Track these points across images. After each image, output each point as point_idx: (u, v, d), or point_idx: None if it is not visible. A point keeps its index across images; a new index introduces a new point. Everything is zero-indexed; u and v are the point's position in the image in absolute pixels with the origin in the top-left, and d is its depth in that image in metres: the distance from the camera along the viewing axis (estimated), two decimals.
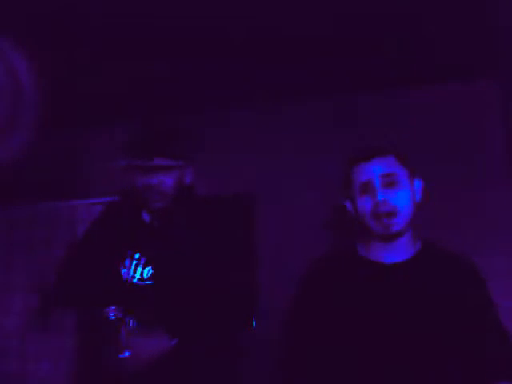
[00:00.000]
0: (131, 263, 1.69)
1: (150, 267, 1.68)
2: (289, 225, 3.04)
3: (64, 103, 2.93)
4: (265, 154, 3.19)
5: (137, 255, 1.70)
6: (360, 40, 2.57)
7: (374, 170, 1.56)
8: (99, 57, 2.64)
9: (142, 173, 1.68)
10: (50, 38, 2.41)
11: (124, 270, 1.71)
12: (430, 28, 2.47)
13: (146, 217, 1.77)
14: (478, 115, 2.96)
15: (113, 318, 1.55)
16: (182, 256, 1.66)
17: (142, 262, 1.69)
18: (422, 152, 2.97)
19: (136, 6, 2.28)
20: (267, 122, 3.21)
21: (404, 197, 1.54)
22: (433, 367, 1.40)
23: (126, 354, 1.53)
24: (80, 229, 3.25)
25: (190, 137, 1.87)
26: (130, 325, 1.64)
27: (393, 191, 1.53)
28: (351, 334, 1.47)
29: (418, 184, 1.63)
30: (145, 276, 1.67)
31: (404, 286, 1.49)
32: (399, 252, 1.56)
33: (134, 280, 1.68)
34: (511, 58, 2.63)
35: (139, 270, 1.68)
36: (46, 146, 2.89)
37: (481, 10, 2.32)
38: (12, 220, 3.40)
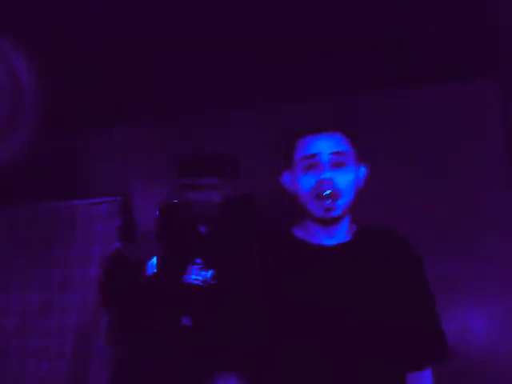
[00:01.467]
0: (192, 267, 1.82)
1: (211, 270, 1.80)
2: (289, 225, 3.04)
3: (64, 103, 2.93)
4: (265, 153, 3.19)
5: (198, 260, 1.82)
6: (360, 40, 2.57)
7: (324, 145, 1.46)
8: (99, 57, 2.64)
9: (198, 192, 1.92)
10: (49, 37, 2.41)
11: (187, 275, 1.82)
12: (430, 28, 2.47)
13: (202, 228, 1.92)
14: (478, 115, 2.96)
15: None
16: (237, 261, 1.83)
17: (204, 266, 1.81)
18: (422, 152, 2.97)
19: (136, 6, 2.28)
20: (267, 122, 3.21)
21: (350, 180, 1.44)
22: (370, 348, 1.37)
23: None
24: (80, 229, 3.25)
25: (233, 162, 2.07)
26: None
27: (339, 172, 1.43)
28: (289, 316, 1.40)
29: (363, 171, 1.54)
30: (208, 277, 1.79)
31: (343, 268, 1.43)
32: (338, 235, 1.50)
33: (197, 282, 1.78)
34: (511, 58, 2.63)
35: (202, 272, 1.79)
36: (45, 146, 2.89)
37: (481, 10, 2.32)
38: (12, 220, 3.40)
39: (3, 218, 3.41)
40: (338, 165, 1.43)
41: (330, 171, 1.42)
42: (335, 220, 1.47)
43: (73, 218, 3.32)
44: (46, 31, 2.37)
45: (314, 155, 1.45)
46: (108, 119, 3.28)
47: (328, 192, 1.40)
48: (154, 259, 1.82)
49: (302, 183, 1.46)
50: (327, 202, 1.41)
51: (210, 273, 1.79)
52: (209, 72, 2.85)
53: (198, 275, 1.79)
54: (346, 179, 1.43)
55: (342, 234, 1.50)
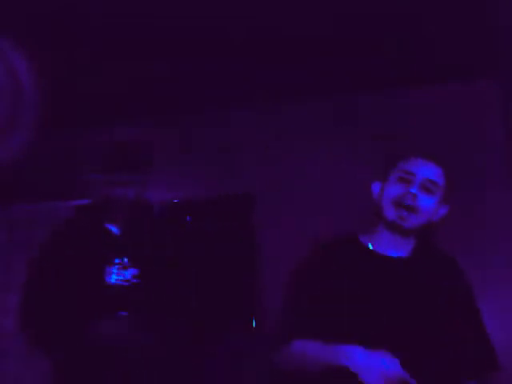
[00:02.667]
0: (112, 268, 1.86)
1: (132, 269, 1.86)
2: (289, 225, 3.04)
3: (64, 103, 2.93)
4: (265, 153, 3.19)
5: (116, 260, 1.86)
6: (360, 40, 2.57)
7: (424, 170, 1.63)
8: (99, 57, 2.64)
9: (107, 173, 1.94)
10: (49, 37, 2.41)
11: (108, 276, 1.86)
12: (430, 28, 2.47)
13: (113, 228, 1.95)
14: (478, 115, 2.96)
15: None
16: (157, 256, 1.89)
17: (124, 265, 1.86)
18: (422, 152, 2.97)
19: (136, 7, 2.28)
20: (267, 122, 3.21)
21: (430, 205, 1.58)
22: (420, 357, 1.45)
23: None
24: None
25: (146, 150, 2.14)
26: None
27: (425, 195, 1.57)
28: (347, 320, 1.49)
29: (443, 209, 1.66)
30: (129, 277, 1.85)
31: (404, 280, 1.54)
32: (402, 249, 1.60)
33: (119, 282, 1.84)
34: (511, 58, 2.63)
35: (124, 272, 1.85)
36: (45, 146, 2.89)
37: (481, 10, 2.32)
38: (12, 220, 3.40)
39: (3, 218, 3.41)
40: (426, 189, 1.57)
41: (417, 190, 1.56)
42: (403, 231, 1.58)
43: None
44: (46, 31, 2.37)
45: (411, 173, 1.61)
46: (108, 119, 3.28)
47: (408, 204, 1.54)
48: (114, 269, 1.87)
49: (391, 189, 1.59)
50: (404, 213, 1.55)
51: (131, 271, 1.84)
52: (209, 72, 2.85)
53: (119, 275, 1.84)
54: (427, 202, 1.57)
55: (406, 248, 1.61)
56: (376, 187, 1.66)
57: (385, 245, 1.60)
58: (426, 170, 1.63)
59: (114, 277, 1.84)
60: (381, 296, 1.50)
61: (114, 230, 1.96)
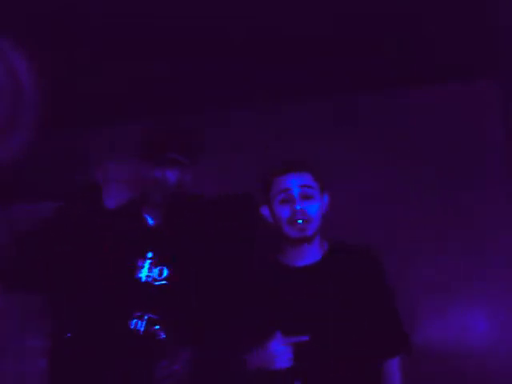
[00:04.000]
0: (144, 262, 1.70)
1: (164, 267, 1.70)
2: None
3: (64, 103, 2.93)
4: (265, 153, 3.19)
5: (149, 254, 1.71)
6: (360, 40, 2.57)
7: (294, 181, 1.78)
8: (99, 57, 2.64)
9: (155, 166, 1.75)
10: (49, 37, 2.41)
11: (140, 271, 1.70)
12: (430, 28, 2.47)
13: (149, 218, 1.79)
14: (478, 115, 2.96)
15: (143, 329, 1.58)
16: (195, 256, 1.73)
17: (156, 261, 1.70)
18: (422, 152, 2.97)
19: (136, 7, 2.28)
20: (267, 121, 3.21)
21: (316, 208, 1.77)
22: (342, 349, 1.65)
23: (176, 367, 1.57)
24: None
25: (198, 137, 1.95)
26: (162, 337, 1.66)
27: (308, 202, 1.75)
28: (270, 329, 1.65)
29: (326, 198, 1.85)
30: (163, 276, 1.70)
31: (312, 286, 1.72)
32: (308, 256, 1.78)
33: (149, 279, 1.69)
34: (511, 58, 2.63)
35: (155, 269, 1.70)
36: (45, 146, 2.89)
37: (481, 10, 2.32)
38: (12, 220, 3.40)
39: (3, 218, 3.41)
40: (305, 197, 1.75)
41: (300, 202, 1.74)
42: (307, 240, 1.76)
43: None
44: (46, 31, 2.37)
45: (286, 189, 1.76)
46: (108, 119, 3.28)
47: (300, 221, 1.73)
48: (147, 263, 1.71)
49: (279, 212, 1.77)
50: (300, 225, 1.73)
51: (164, 270, 1.69)
52: (209, 72, 2.85)
53: (150, 271, 1.69)
54: (313, 207, 1.75)
55: (312, 254, 1.79)
56: (265, 211, 1.85)
57: (292, 256, 1.79)
58: (297, 180, 1.78)
59: (145, 273, 1.69)
60: (294, 303, 1.70)
61: (150, 220, 1.79)
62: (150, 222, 1.78)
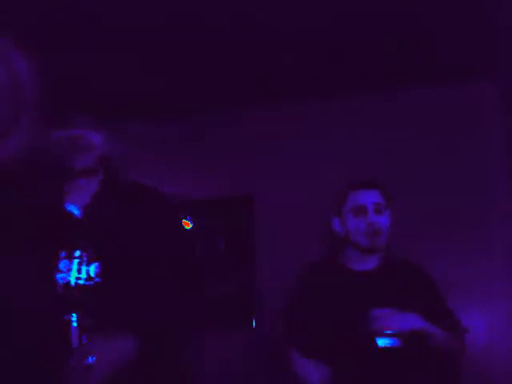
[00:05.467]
0: (71, 263, 1.48)
1: (95, 263, 1.47)
2: (288, 225, 3.04)
3: (64, 103, 2.93)
4: (265, 154, 3.19)
5: (77, 253, 1.48)
6: (360, 40, 2.57)
7: (369, 197, 1.98)
8: (99, 56, 2.65)
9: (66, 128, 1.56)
10: (49, 38, 2.41)
11: (62, 274, 1.48)
12: (430, 28, 2.47)
13: (75, 210, 1.54)
14: (478, 115, 2.96)
15: (75, 326, 1.39)
16: (127, 247, 1.48)
17: (85, 259, 1.48)
18: (422, 152, 2.97)
19: (135, 7, 2.28)
20: (267, 121, 3.21)
21: (386, 222, 1.98)
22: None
23: (90, 359, 1.34)
24: None
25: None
26: (88, 324, 1.43)
27: (380, 217, 1.96)
28: (336, 326, 1.83)
29: (389, 213, 2.03)
30: (92, 274, 1.46)
31: (374, 287, 1.89)
32: (371, 262, 1.97)
33: (80, 281, 1.46)
34: (511, 58, 2.63)
35: (84, 268, 1.47)
36: (45, 146, 2.89)
37: (481, 10, 2.32)
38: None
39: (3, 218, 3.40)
40: (378, 212, 1.96)
41: (373, 216, 1.94)
42: (378, 249, 1.96)
43: None
44: (46, 31, 2.37)
45: (362, 205, 1.97)
46: (108, 119, 3.27)
47: (374, 231, 1.93)
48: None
49: (354, 223, 1.96)
50: (374, 237, 1.93)
51: (93, 267, 1.46)
52: (208, 72, 2.85)
53: (80, 272, 1.46)
54: (383, 221, 1.97)
55: (374, 261, 1.98)
56: (336, 223, 2.03)
57: (358, 262, 1.97)
58: (371, 197, 1.98)
59: (74, 274, 1.47)
60: (358, 302, 1.83)
61: (75, 212, 1.54)
62: (76, 213, 1.53)
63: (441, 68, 2.83)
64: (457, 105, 2.98)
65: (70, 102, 3.02)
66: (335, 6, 2.30)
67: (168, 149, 3.34)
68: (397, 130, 3.02)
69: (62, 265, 1.46)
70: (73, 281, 1.45)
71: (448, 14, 2.35)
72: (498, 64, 2.79)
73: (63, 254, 1.47)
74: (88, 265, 1.46)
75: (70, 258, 1.47)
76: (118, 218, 1.49)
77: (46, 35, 2.38)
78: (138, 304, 1.42)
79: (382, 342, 1.75)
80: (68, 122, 1.56)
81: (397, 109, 3.05)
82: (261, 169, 3.18)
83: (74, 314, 1.40)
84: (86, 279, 1.45)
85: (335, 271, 2.00)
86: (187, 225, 3.25)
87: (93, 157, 1.57)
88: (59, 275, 1.46)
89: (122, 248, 1.46)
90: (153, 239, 1.49)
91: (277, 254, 2.98)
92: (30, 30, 2.26)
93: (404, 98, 3.05)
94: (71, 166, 1.54)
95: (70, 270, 1.46)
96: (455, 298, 2.78)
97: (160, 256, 1.49)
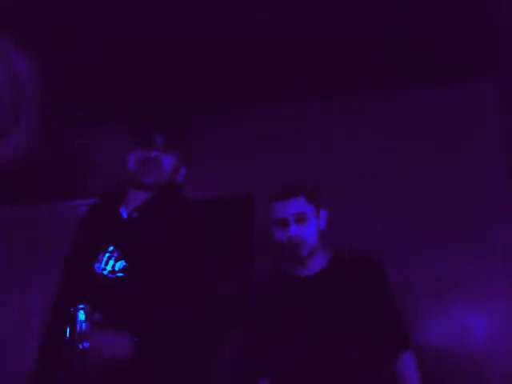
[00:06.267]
0: (104, 256, 1.67)
1: (122, 260, 1.64)
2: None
3: (64, 103, 2.93)
4: (265, 154, 3.19)
5: (110, 248, 1.68)
6: (360, 40, 2.57)
7: (288, 209, 1.91)
8: (99, 56, 2.64)
9: (141, 148, 1.76)
10: (50, 38, 2.41)
11: (97, 264, 1.67)
12: (430, 28, 2.47)
13: (124, 212, 1.76)
14: (478, 115, 2.96)
15: (83, 315, 1.52)
16: (155, 251, 1.65)
17: (116, 255, 1.66)
18: (422, 152, 2.97)
19: (135, 7, 2.28)
20: (268, 121, 3.21)
21: (311, 230, 1.91)
22: (344, 354, 1.78)
23: (85, 344, 1.48)
24: None
25: (191, 136, 1.93)
26: (95, 318, 1.55)
27: (302, 226, 1.90)
28: (281, 334, 1.86)
29: (323, 215, 1.99)
30: (116, 268, 1.64)
31: (316, 293, 1.87)
32: (311, 267, 1.94)
33: (105, 272, 1.64)
34: (511, 58, 2.63)
35: (111, 262, 1.65)
36: (46, 146, 2.89)
37: (481, 10, 2.32)
38: (12, 220, 3.40)
39: (4, 218, 3.41)
40: (299, 221, 1.90)
41: (294, 228, 1.89)
42: (305, 258, 1.92)
43: (73, 218, 3.31)
44: (46, 31, 2.37)
45: (282, 218, 1.91)
46: (108, 119, 3.28)
47: (295, 243, 1.89)
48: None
49: (278, 236, 1.94)
50: (295, 248, 1.89)
51: (119, 264, 1.64)
52: (208, 72, 2.85)
53: (106, 264, 1.65)
54: (307, 231, 1.90)
55: (314, 265, 1.94)
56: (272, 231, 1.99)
57: (296, 268, 1.95)
58: (290, 208, 1.91)
59: (102, 266, 1.65)
60: (300, 311, 1.85)
61: (124, 214, 1.75)
62: (124, 215, 1.75)
63: (441, 68, 2.83)
64: (457, 105, 2.97)
65: (69, 101, 3.03)
66: (335, 6, 2.30)
67: None
68: (397, 129, 3.02)
69: (100, 256, 1.67)
70: (98, 270, 1.65)
71: (448, 13, 2.35)
72: (498, 64, 2.79)
73: (102, 247, 1.68)
74: (116, 260, 1.64)
75: (105, 251, 1.67)
76: (154, 225, 1.70)
77: (45, 35, 2.38)
78: (146, 305, 1.58)
79: None
80: (149, 143, 1.76)
81: (397, 109, 3.05)
82: (261, 169, 3.17)
83: (82, 306, 1.54)
84: (109, 272, 1.63)
85: (281, 281, 1.99)
86: None
87: (161, 177, 1.76)
88: (97, 265, 1.66)
89: (148, 252, 1.64)
90: (179, 251, 1.68)
91: (277, 254, 2.98)
92: (30, 30, 2.27)
93: (404, 98, 3.04)
94: (143, 181, 1.75)
95: (101, 261, 1.66)
96: (455, 298, 2.80)
97: (181, 265, 1.67)
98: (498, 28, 2.46)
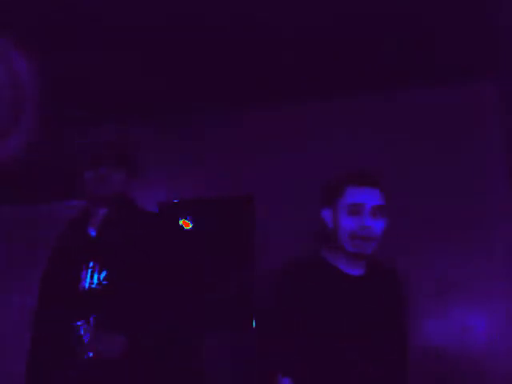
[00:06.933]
0: (87, 272, 1.88)
1: (104, 271, 1.87)
2: (288, 225, 3.04)
3: (64, 103, 2.93)
4: (265, 154, 3.19)
5: (91, 264, 1.88)
6: (360, 40, 2.57)
7: (369, 197, 1.74)
8: (99, 56, 2.64)
9: (92, 169, 1.95)
10: (50, 38, 2.41)
11: (83, 282, 1.88)
12: (430, 28, 2.47)
13: (92, 231, 1.96)
14: (478, 115, 2.96)
15: (81, 330, 1.73)
16: (129, 258, 1.87)
17: (97, 268, 1.88)
18: (422, 152, 2.97)
19: (135, 7, 2.28)
20: (268, 121, 3.21)
21: (382, 228, 1.75)
22: (379, 351, 1.69)
23: (90, 354, 1.66)
24: None
25: (138, 151, 2.09)
26: (91, 327, 1.79)
27: (376, 221, 1.72)
28: (321, 333, 1.67)
29: (386, 221, 1.81)
30: (101, 279, 1.86)
31: (367, 295, 1.75)
32: (360, 267, 1.78)
33: (93, 286, 1.85)
34: (511, 58, 2.63)
35: (95, 276, 1.87)
36: (46, 146, 2.89)
37: (481, 10, 2.32)
38: (12, 220, 3.40)
39: (3, 218, 3.41)
40: (376, 215, 1.72)
41: (370, 220, 1.70)
42: (364, 257, 1.74)
43: None
44: (46, 31, 2.37)
45: (360, 204, 1.72)
46: (108, 119, 3.28)
47: (364, 236, 1.69)
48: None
49: (344, 223, 1.72)
50: (363, 243, 1.69)
51: (103, 274, 1.86)
52: (209, 72, 2.85)
53: (92, 279, 1.87)
54: (379, 227, 1.72)
55: (363, 267, 1.78)
56: (326, 215, 1.81)
57: (347, 265, 1.76)
58: (372, 198, 1.74)
59: (88, 280, 1.87)
60: (346, 310, 1.70)
61: (92, 232, 1.97)
62: (92, 234, 1.96)
63: (441, 68, 2.83)
64: (457, 105, 2.98)
65: (69, 101, 3.03)
66: (335, 6, 2.30)
67: (168, 149, 3.34)
68: (397, 130, 3.02)
69: (82, 275, 1.88)
70: (87, 286, 1.85)
71: (448, 13, 2.35)
72: (498, 64, 2.79)
73: (83, 266, 1.89)
74: (99, 273, 1.86)
75: (87, 268, 1.87)
76: (123, 235, 1.89)
77: (46, 35, 2.38)
78: (135, 305, 1.77)
79: None
80: (97, 162, 1.93)
81: (397, 109, 3.05)
82: (261, 169, 3.17)
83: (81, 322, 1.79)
84: (96, 284, 1.84)
85: (325, 271, 1.77)
86: (187, 225, 3.25)
87: (112, 191, 1.92)
88: (81, 283, 1.86)
89: (124, 258, 1.85)
90: (152, 250, 1.86)
91: (277, 254, 2.98)
92: (30, 30, 2.27)
93: (404, 98, 3.05)
94: (97, 197, 1.94)
95: (85, 277, 1.87)
96: (455, 298, 2.80)
97: (161, 263, 1.85)
98: (498, 28, 2.46)
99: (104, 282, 1.84)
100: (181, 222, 3.23)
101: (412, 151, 2.98)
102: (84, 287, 1.85)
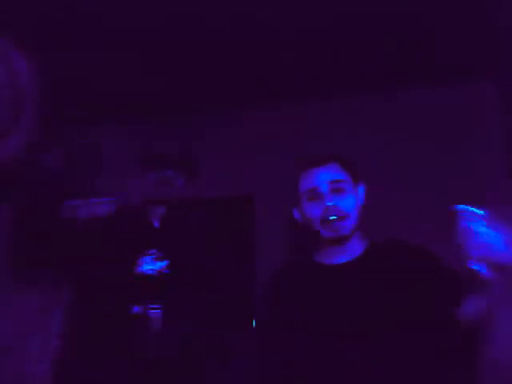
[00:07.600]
0: (150, 259, 2.00)
1: (165, 261, 2.02)
2: (288, 225, 3.04)
3: (64, 103, 2.93)
4: (265, 154, 3.19)
5: (153, 251, 2.02)
6: (360, 40, 2.57)
7: (322, 176, 1.61)
8: (99, 56, 2.64)
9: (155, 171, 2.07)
10: (50, 38, 2.41)
11: (144, 266, 1.99)
12: (430, 28, 2.47)
13: (155, 222, 2.11)
14: (478, 115, 2.96)
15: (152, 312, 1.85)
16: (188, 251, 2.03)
17: (160, 257, 2.01)
18: (422, 152, 2.97)
19: (135, 7, 2.28)
20: (268, 121, 3.21)
21: (351, 202, 1.59)
22: (382, 353, 1.47)
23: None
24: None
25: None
26: (158, 315, 1.91)
27: (340, 197, 1.58)
28: (315, 333, 1.54)
29: (361, 190, 1.67)
30: (161, 267, 1.99)
31: (353, 283, 1.56)
32: (348, 252, 1.62)
33: (152, 271, 1.98)
34: (511, 58, 2.63)
35: (157, 263, 2.00)
36: (46, 146, 2.89)
37: (481, 10, 2.32)
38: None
39: (3, 218, 3.40)
40: (336, 191, 1.58)
41: (331, 198, 1.57)
42: (345, 238, 1.60)
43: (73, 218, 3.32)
44: (46, 31, 2.37)
45: (314, 187, 1.60)
46: (107, 119, 3.28)
47: (334, 217, 1.55)
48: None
49: (310, 211, 1.61)
50: (335, 224, 1.56)
51: (164, 263, 1.96)
52: (209, 72, 2.85)
53: (152, 265, 1.96)
54: (346, 201, 1.58)
55: (352, 250, 1.62)
56: (296, 213, 1.70)
57: (333, 254, 1.63)
58: (326, 176, 1.62)
59: (148, 266, 1.94)
60: (338, 302, 1.54)
61: (156, 223, 2.08)
62: (156, 225, 2.08)
63: (441, 68, 2.83)
64: (457, 105, 2.98)
65: (69, 101, 3.03)
66: (335, 6, 2.30)
67: (168, 149, 3.34)
68: (397, 129, 3.02)
69: (146, 259, 2.00)
70: (147, 271, 2.00)
71: (448, 13, 2.35)
72: (498, 64, 2.79)
73: (147, 252, 2.04)
74: (161, 261, 2.03)
75: (149, 255, 2.03)
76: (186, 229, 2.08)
77: (46, 35, 2.38)
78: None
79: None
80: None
81: (397, 109, 3.05)
82: (261, 169, 3.17)
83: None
84: (157, 271, 2.00)
85: (307, 270, 1.66)
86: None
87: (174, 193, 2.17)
88: (143, 267, 1.99)
89: (184, 250, 2.04)
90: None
91: (277, 254, 2.98)
92: (30, 30, 2.26)
93: (404, 98, 3.05)
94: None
95: (147, 263, 2.00)
96: None
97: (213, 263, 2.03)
98: (498, 28, 2.46)
99: (164, 271, 1.97)
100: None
101: (412, 151, 2.98)
102: (145, 272, 1.96)
